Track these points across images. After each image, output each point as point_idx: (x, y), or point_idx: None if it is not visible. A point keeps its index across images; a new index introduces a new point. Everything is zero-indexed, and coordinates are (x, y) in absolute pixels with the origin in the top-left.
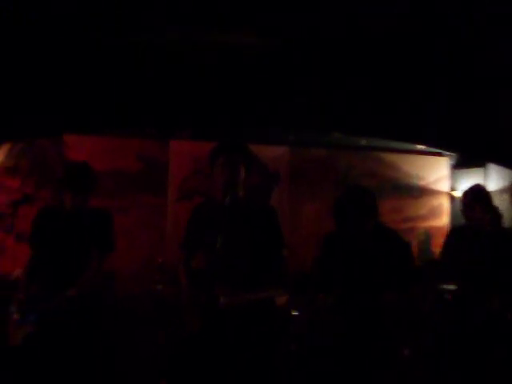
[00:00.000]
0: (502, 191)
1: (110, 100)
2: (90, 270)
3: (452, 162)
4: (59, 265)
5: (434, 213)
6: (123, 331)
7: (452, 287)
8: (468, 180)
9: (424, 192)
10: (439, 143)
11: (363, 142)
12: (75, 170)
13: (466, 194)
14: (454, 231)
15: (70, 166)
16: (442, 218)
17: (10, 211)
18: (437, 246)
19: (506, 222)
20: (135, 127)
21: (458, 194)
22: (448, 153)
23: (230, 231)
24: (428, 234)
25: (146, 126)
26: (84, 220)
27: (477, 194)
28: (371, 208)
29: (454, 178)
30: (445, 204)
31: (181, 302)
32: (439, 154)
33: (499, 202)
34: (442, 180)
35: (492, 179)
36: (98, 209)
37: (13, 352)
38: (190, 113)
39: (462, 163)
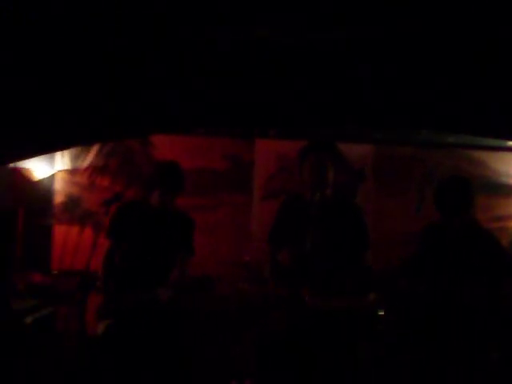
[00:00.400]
0: None
1: (197, 99)
2: (176, 272)
3: None
4: (141, 261)
5: None
6: (210, 331)
7: None
8: None
9: None
10: None
11: (450, 139)
12: (165, 168)
13: None
14: None
15: (160, 164)
16: None
17: (102, 210)
18: None
19: None
20: (221, 126)
21: None
22: None
23: (318, 229)
24: None
25: (232, 124)
26: (169, 220)
27: None
28: (472, 197)
29: None
30: None
31: (266, 299)
32: None
33: None
34: None
35: None
36: (182, 212)
37: (92, 342)
38: (276, 111)
39: None
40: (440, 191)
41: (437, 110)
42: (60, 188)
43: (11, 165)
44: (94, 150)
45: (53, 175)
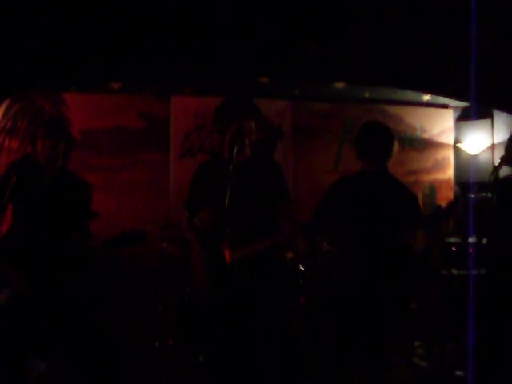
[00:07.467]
0: None
1: (111, 54)
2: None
3: (457, 114)
4: (35, 235)
5: (439, 166)
6: (130, 290)
7: (457, 240)
8: (474, 132)
9: (428, 145)
10: (446, 92)
11: (367, 94)
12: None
13: None
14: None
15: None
16: (447, 171)
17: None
18: (442, 199)
19: None
20: (136, 82)
21: (464, 146)
22: (454, 103)
23: (237, 189)
24: (433, 188)
25: (147, 81)
26: (65, 187)
27: None
28: (391, 144)
29: (458, 130)
30: (449, 157)
31: (189, 259)
32: (444, 106)
33: None
34: (446, 132)
35: (500, 130)
36: (78, 178)
37: None
38: (191, 67)
39: (467, 115)
40: (359, 136)
41: (353, 64)
42: None
43: None
44: (1, 110)
45: None
